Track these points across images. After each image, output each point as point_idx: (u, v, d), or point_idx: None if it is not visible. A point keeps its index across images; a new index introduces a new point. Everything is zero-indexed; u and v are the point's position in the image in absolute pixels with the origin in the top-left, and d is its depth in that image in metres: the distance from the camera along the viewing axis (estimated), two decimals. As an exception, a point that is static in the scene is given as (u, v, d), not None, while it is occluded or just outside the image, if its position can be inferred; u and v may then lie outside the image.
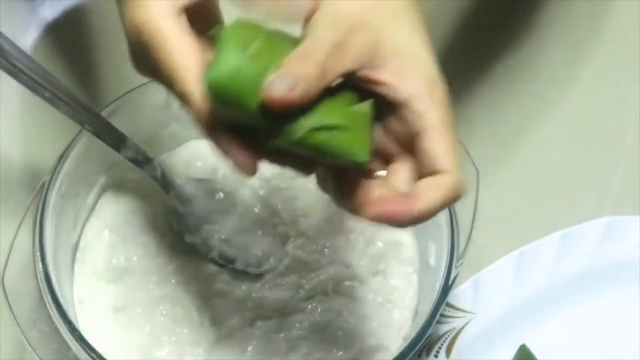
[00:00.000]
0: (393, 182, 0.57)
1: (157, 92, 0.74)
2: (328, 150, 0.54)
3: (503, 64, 0.89)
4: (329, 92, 0.54)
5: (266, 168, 0.76)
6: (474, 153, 0.72)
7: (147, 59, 0.57)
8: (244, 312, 0.71)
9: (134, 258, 0.73)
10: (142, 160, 0.72)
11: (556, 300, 0.75)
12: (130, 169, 0.74)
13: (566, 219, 0.78)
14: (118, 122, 0.71)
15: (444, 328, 0.73)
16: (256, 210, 0.75)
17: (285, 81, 0.52)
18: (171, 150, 0.78)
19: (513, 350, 0.72)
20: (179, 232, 0.73)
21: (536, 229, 0.77)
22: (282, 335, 0.71)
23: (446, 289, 0.67)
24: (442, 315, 0.71)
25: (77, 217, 0.73)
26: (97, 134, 0.70)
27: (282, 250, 0.74)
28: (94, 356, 0.64)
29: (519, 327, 0.74)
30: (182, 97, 0.55)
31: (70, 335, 0.64)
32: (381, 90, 0.56)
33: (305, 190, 0.76)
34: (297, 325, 0.71)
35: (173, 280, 0.72)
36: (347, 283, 0.73)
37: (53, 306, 0.65)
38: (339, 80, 0.55)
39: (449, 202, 0.56)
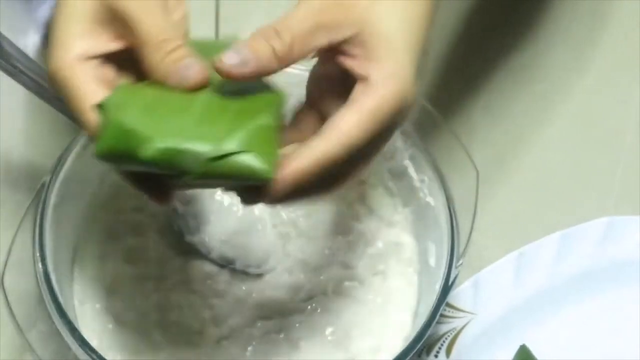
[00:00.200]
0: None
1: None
2: (231, 176, 0.54)
3: (503, 64, 0.89)
4: (236, 98, 0.55)
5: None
6: (474, 153, 0.72)
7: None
8: (244, 312, 0.71)
9: (134, 258, 0.73)
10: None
11: (556, 301, 0.75)
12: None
13: (566, 219, 0.78)
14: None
15: (444, 328, 0.73)
16: (256, 210, 0.75)
17: (238, 57, 0.54)
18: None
19: (513, 350, 0.72)
20: (179, 232, 0.73)
21: (536, 229, 0.77)
22: (282, 335, 0.71)
23: (446, 289, 0.67)
24: (442, 315, 0.71)
25: (77, 217, 0.73)
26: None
27: (282, 250, 0.74)
28: (94, 357, 0.64)
29: (519, 327, 0.74)
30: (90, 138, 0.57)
31: (70, 336, 0.64)
32: (348, 62, 0.57)
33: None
34: (297, 325, 0.71)
35: (173, 280, 0.72)
36: (347, 283, 0.73)
37: (53, 306, 0.65)
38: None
39: (374, 125, 0.55)
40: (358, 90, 0.56)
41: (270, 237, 0.75)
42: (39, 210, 0.68)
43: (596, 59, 0.90)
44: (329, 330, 0.71)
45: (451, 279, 0.67)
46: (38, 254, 0.66)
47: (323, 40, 0.56)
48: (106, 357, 0.64)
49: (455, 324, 0.73)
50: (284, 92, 0.58)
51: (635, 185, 0.83)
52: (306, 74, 0.75)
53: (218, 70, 0.55)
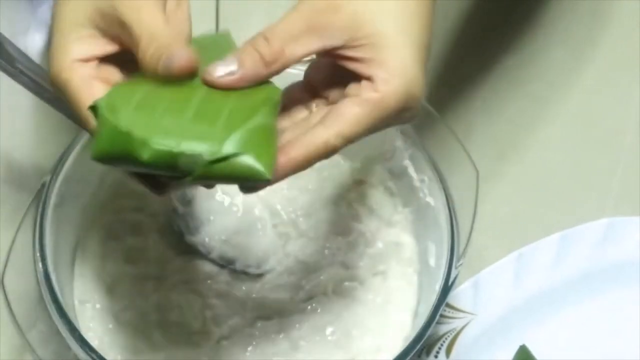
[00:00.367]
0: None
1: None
2: (230, 177, 0.54)
3: (503, 65, 0.89)
4: (231, 93, 0.56)
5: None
6: (474, 154, 0.72)
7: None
8: (244, 313, 0.71)
9: (134, 258, 0.73)
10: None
11: (556, 301, 0.75)
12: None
13: (566, 219, 0.78)
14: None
15: (443, 328, 0.73)
16: (256, 210, 0.75)
17: (225, 68, 0.56)
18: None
19: (513, 350, 0.72)
20: (179, 232, 0.73)
21: (536, 229, 0.77)
22: (282, 335, 0.71)
23: (446, 289, 0.67)
24: (442, 315, 0.71)
25: (77, 217, 0.73)
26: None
27: (282, 250, 0.74)
28: (94, 357, 0.64)
29: (519, 328, 0.74)
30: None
31: (70, 336, 0.64)
32: (350, 65, 0.57)
33: (305, 190, 0.76)
34: (297, 325, 0.71)
35: (173, 281, 0.72)
36: (347, 284, 0.73)
37: (53, 307, 0.65)
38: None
39: (374, 120, 0.56)
40: (363, 85, 0.56)
41: (270, 237, 0.75)
42: (39, 210, 0.68)
43: (596, 59, 0.90)
44: (329, 330, 0.71)
45: (451, 279, 0.67)
46: (38, 254, 0.66)
47: (316, 44, 0.56)
48: (106, 357, 0.64)
49: (455, 324, 0.73)
50: (279, 87, 0.58)
51: (635, 185, 0.83)
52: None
53: (205, 82, 0.56)
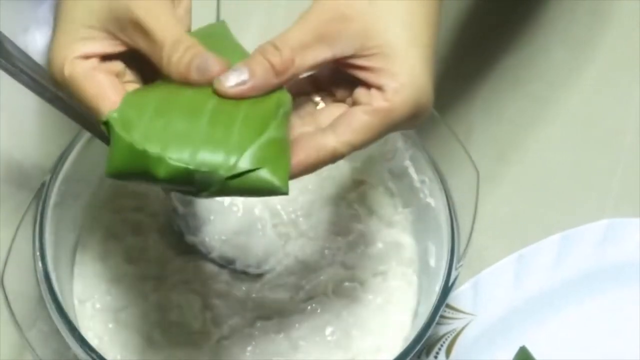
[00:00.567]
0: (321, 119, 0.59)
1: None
2: (247, 192, 0.54)
3: (503, 65, 0.89)
4: (246, 105, 0.56)
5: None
6: (474, 154, 0.72)
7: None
8: (244, 313, 0.71)
9: (134, 258, 0.73)
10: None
11: (556, 302, 0.75)
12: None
13: (566, 220, 0.78)
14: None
15: (443, 329, 0.73)
16: (256, 210, 0.75)
17: (236, 77, 0.56)
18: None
19: (513, 351, 0.72)
20: (179, 232, 0.73)
21: (536, 230, 0.77)
22: (281, 335, 0.71)
23: (446, 290, 0.67)
24: (442, 316, 0.71)
25: (77, 217, 0.73)
26: (97, 134, 0.70)
27: (282, 250, 0.74)
28: (94, 356, 0.64)
29: (519, 329, 0.74)
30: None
31: (69, 335, 0.64)
32: (360, 74, 0.57)
33: (305, 190, 0.76)
34: (297, 325, 0.71)
35: (173, 281, 0.72)
36: (347, 284, 0.73)
37: (53, 306, 0.65)
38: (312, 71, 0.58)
39: (383, 129, 0.57)
40: (374, 94, 0.57)
41: (270, 237, 0.75)
42: (39, 209, 0.68)
43: (596, 59, 0.90)
44: (329, 330, 0.71)
45: (451, 280, 0.67)
46: (38, 253, 0.66)
47: (326, 53, 0.57)
48: (106, 357, 0.64)
49: (455, 325, 0.73)
50: (288, 93, 0.58)
51: (635, 186, 0.83)
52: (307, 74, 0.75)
53: (217, 92, 0.56)
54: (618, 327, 0.75)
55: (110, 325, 0.70)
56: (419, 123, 0.59)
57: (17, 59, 0.65)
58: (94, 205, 0.74)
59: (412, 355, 0.65)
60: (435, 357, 0.72)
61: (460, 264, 0.68)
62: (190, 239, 0.73)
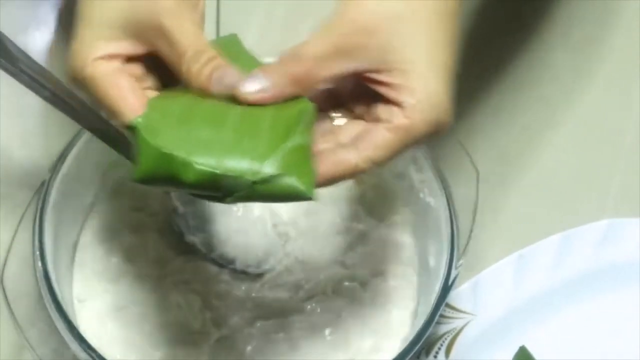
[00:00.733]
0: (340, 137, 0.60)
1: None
2: (273, 197, 0.55)
3: (503, 66, 0.89)
4: (269, 111, 0.56)
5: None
6: (474, 154, 0.72)
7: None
8: (244, 312, 0.71)
9: (134, 258, 0.72)
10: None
11: (556, 302, 0.75)
12: (130, 168, 0.74)
13: (566, 220, 0.78)
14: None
15: (443, 329, 0.73)
16: (256, 210, 0.75)
17: (256, 84, 0.57)
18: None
19: (512, 351, 0.72)
20: (179, 232, 0.73)
21: (536, 230, 0.77)
22: (281, 335, 0.71)
23: (446, 289, 0.67)
24: (441, 316, 0.71)
25: (77, 216, 0.73)
26: (97, 134, 0.70)
27: (282, 250, 0.74)
28: (93, 355, 0.64)
29: (519, 329, 0.74)
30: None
31: (69, 335, 0.64)
32: (380, 89, 0.58)
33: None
34: (297, 325, 0.71)
35: (173, 280, 0.72)
36: (346, 284, 0.73)
37: (52, 305, 0.65)
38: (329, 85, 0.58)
39: (403, 146, 0.58)
40: (394, 111, 0.57)
41: (270, 237, 0.75)
42: (39, 208, 0.68)
43: (596, 60, 0.90)
44: (328, 330, 0.71)
45: (451, 280, 0.67)
46: (38, 253, 0.66)
47: (346, 66, 0.57)
48: (105, 356, 0.64)
49: (455, 324, 0.73)
50: (311, 102, 0.58)
51: (635, 186, 0.83)
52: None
53: (237, 98, 0.56)
54: (618, 327, 0.75)
55: (110, 325, 0.70)
56: (437, 138, 0.60)
57: (18, 58, 0.65)
58: (93, 205, 0.74)
59: (411, 354, 0.65)
60: (435, 356, 0.72)
61: (460, 263, 0.68)
62: (190, 238, 0.73)
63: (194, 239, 0.73)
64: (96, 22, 0.59)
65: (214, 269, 0.73)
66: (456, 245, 0.68)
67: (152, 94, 0.60)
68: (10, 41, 0.64)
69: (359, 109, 0.60)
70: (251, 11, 0.91)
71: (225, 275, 0.73)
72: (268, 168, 0.54)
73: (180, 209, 0.73)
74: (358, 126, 0.59)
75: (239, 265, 0.73)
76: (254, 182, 0.54)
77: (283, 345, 0.70)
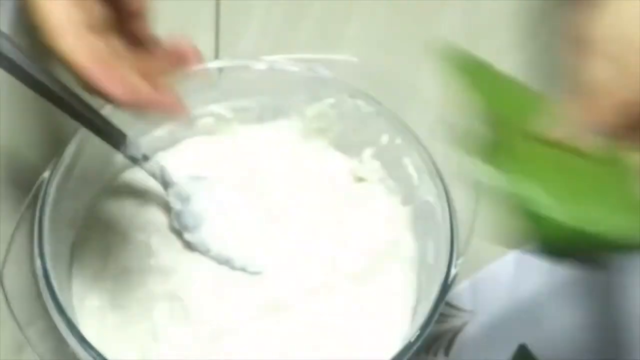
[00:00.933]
0: None
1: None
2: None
3: (504, 64, 0.89)
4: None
5: (265, 167, 0.77)
6: (474, 152, 0.73)
7: None
8: (243, 311, 0.71)
9: (133, 256, 0.72)
10: (142, 158, 0.72)
11: (555, 300, 0.75)
12: (130, 166, 0.74)
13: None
14: (116, 120, 0.71)
15: (443, 327, 0.73)
16: (256, 208, 0.75)
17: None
18: (169, 148, 0.78)
19: (512, 349, 0.72)
20: (178, 230, 0.73)
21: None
22: (281, 333, 0.71)
23: (445, 288, 0.67)
24: (441, 314, 0.70)
25: (76, 214, 0.73)
26: (97, 132, 0.70)
27: (281, 249, 0.74)
28: (93, 354, 0.64)
29: (518, 327, 0.74)
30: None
31: (68, 333, 0.64)
32: None
33: (304, 188, 0.76)
34: (296, 324, 0.71)
35: (171, 279, 0.72)
36: (346, 282, 0.73)
37: (52, 303, 0.65)
38: None
39: None
40: None
41: (270, 236, 0.74)
42: (38, 206, 0.68)
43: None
44: (327, 328, 0.71)
45: (450, 278, 0.67)
46: (37, 251, 0.66)
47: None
48: (105, 355, 0.64)
49: (454, 323, 0.73)
50: None
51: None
52: (307, 72, 0.76)
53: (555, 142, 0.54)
54: (617, 325, 0.75)
55: (110, 323, 0.70)
56: None
57: (17, 56, 0.65)
58: (93, 203, 0.75)
59: (411, 353, 0.65)
60: (435, 355, 0.72)
61: (460, 261, 0.68)
62: (188, 237, 0.73)
63: (192, 237, 0.73)
64: None
65: (212, 267, 0.73)
66: (455, 244, 0.68)
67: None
68: (8, 37, 0.64)
69: None
70: (251, 11, 0.91)
71: (224, 274, 0.73)
72: None
73: (178, 207, 0.73)
74: None
75: (237, 264, 0.73)
76: None
77: (282, 343, 0.70)
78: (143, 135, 0.75)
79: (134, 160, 0.72)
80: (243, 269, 0.73)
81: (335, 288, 0.72)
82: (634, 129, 0.56)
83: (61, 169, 0.70)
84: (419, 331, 0.66)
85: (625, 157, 0.55)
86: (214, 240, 0.73)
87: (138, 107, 0.59)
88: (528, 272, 0.75)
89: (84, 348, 0.64)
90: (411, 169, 0.74)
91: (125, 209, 0.75)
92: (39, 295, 0.66)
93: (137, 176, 0.75)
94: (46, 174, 0.69)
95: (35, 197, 0.68)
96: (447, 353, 0.72)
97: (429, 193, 0.72)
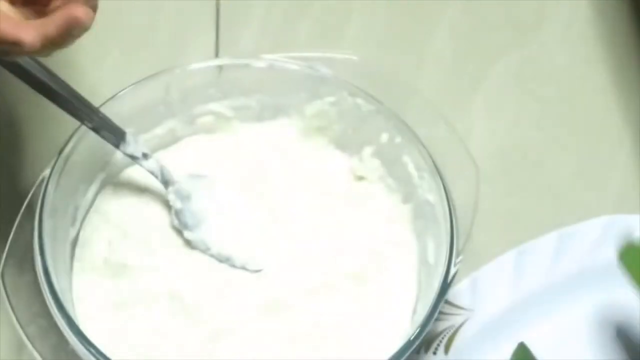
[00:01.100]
0: None
1: (154, 88, 0.74)
2: None
3: (503, 62, 0.89)
4: None
5: (265, 165, 0.77)
6: (474, 151, 0.72)
7: None
8: (243, 310, 0.71)
9: (133, 254, 0.72)
10: (141, 156, 0.72)
11: (555, 298, 0.75)
12: (130, 164, 0.74)
13: (565, 217, 0.78)
14: (116, 118, 0.71)
15: (442, 325, 0.73)
16: (256, 207, 0.75)
17: None
18: (169, 146, 0.78)
19: (511, 347, 0.72)
20: (178, 228, 0.73)
21: (536, 227, 0.77)
22: (280, 333, 0.70)
23: (445, 286, 0.67)
24: (441, 312, 0.70)
25: (76, 212, 0.73)
26: (96, 130, 0.70)
27: (281, 248, 0.74)
28: (93, 351, 0.64)
29: (518, 325, 0.74)
30: None
31: (68, 330, 0.64)
32: None
33: (304, 187, 0.76)
34: (296, 323, 0.71)
35: (172, 277, 0.72)
36: (346, 281, 0.73)
37: (52, 301, 0.65)
38: None
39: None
40: None
41: (270, 235, 0.74)
42: (39, 204, 0.68)
43: (597, 58, 0.90)
44: (327, 327, 0.71)
45: (450, 276, 0.67)
46: (37, 248, 0.66)
47: None
48: (105, 352, 0.64)
49: (454, 321, 0.73)
50: None
51: (635, 183, 0.83)
52: (307, 71, 0.76)
53: None
54: (617, 323, 0.75)
55: (110, 320, 0.70)
56: None
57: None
58: (93, 201, 0.75)
59: (411, 351, 0.65)
60: (434, 353, 0.72)
61: (460, 259, 0.68)
62: (188, 235, 0.73)
63: (192, 235, 0.73)
64: None
65: (213, 265, 0.73)
66: (455, 242, 0.68)
67: None
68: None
69: None
70: (251, 11, 0.91)
71: (224, 272, 0.73)
72: None
73: (178, 206, 0.73)
74: None
75: (237, 263, 0.73)
76: None
77: (282, 342, 0.70)
78: (143, 134, 0.75)
79: (134, 158, 0.72)
80: (243, 267, 0.73)
81: (335, 287, 0.72)
82: None
83: (61, 167, 0.69)
84: (418, 329, 0.66)
85: None
86: (214, 239, 0.73)
87: (52, 42, 0.59)
88: (528, 271, 0.75)
89: (84, 346, 0.64)
90: (411, 168, 0.74)
91: (125, 207, 0.75)
92: (39, 292, 0.66)
93: (137, 174, 0.75)
94: (46, 172, 0.69)
95: (35, 195, 0.68)
96: (446, 351, 0.72)
97: (429, 191, 0.72)
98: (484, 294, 0.74)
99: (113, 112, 0.71)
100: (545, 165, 0.84)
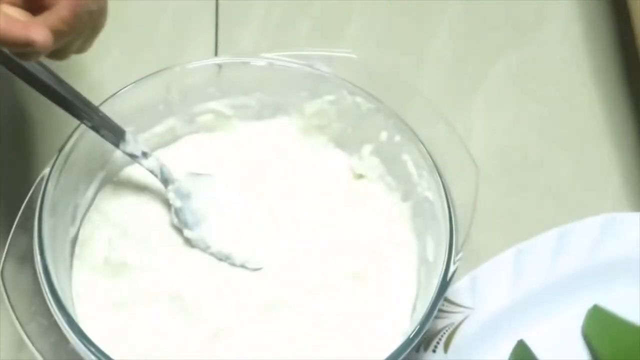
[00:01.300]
0: None
1: (154, 87, 0.74)
2: None
3: (503, 61, 0.90)
4: None
5: (265, 164, 0.77)
6: (473, 150, 0.73)
7: None
8: (243, 309, 0.71)
9: (133, 253, 0.72)
10: (141, 155, 0.72)
11: (554, 297, 0.75)
12: (130, 163, 0.74)
13: (565, 215, 0.78)
14: (116, 117, 0.71)
15: (442, 323, 0.73)
16: (255, 205, 0.75)
17: None
18: (169, 144, 0.78)
19: (511, 345, 0.72)
20: (178, 227, 0.73)
21: (535, 225, 0.77)
22: (280, 333, 0.70)
23: (444, 284, 0.67)
24: (440, 310, 0.71)
25: (76, 211, 0.73)
26: (96, 129, 0.70)
27: (281, 247, 0.74)
28: (93, 350, 0.64)
29: (517, 323, 0.74)
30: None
31: (68, 329, 0.64)
32: None
33: (304, 186, 0.77)
34: (296, 322, 0.71)
35: (171, 276, 0.72)
36: (346, 279, 0.73)
37: (52, 299, 0.65)
38: None
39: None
40: None
41: (269, 233, 0.75)
42: (38, 203, 0.68)
43: (596, 57, 0.91)
44: (327, 326, 0.71)
45: (449, 274, 0.67)
46: (37, 247, 0.66)
47: None
48: (105, 350, 0.64)
49: (453, 319, 0.73)
50: None
51: (633, 181, 0.83)
52: (306, 69, 0.76)
53: None
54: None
55: (110, 319, 0.70)
56: None
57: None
58: (92, 200, 0.75)
59: (410, 348, 0.65)
60: (434, 351, 0.72)
61: (459, 257, 0.68)
62: (188, 234, 0.73)
63: (192, 234, 0.73)
64: None
65: (212, 264, 0.73)
66: (455, 240, 0.68)
67: None
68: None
69: None
70: (251, 11, 0.91)
71: (224, 271, 0.73)
72: None
73: (178, 204, 0.73)
74: None
75: (237, 262, 0.73)
76: None
77: (282, 341, 0.70)
78: (143, 132, 0.75)
79: (133, 157, 0.72)
80: (243, 266, 0.73)
81: (335, 287, 0.72)
82: None
83: (61, 165, 0.69)
84: (418, 327, 0.66)
85: None
86: (214, 237, 0.73)
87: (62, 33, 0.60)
88: (527, 269, 0.75)
89: (84, 345, 0.64)
90: (410, 166, 0.74)
91: (125, 206, 0.75)
92: (39, 291, 0.66)
93: (137, 173, 0.75)
94: (46, 171, 0.69)
95: (35, 194, 0.68)
96: (446, 349, 0.72)
97: (429, 190, 0.72)
98: (483, 292, 0.74)
99: (113, 111, 0.71)
100: (545, 165, 0.84)
